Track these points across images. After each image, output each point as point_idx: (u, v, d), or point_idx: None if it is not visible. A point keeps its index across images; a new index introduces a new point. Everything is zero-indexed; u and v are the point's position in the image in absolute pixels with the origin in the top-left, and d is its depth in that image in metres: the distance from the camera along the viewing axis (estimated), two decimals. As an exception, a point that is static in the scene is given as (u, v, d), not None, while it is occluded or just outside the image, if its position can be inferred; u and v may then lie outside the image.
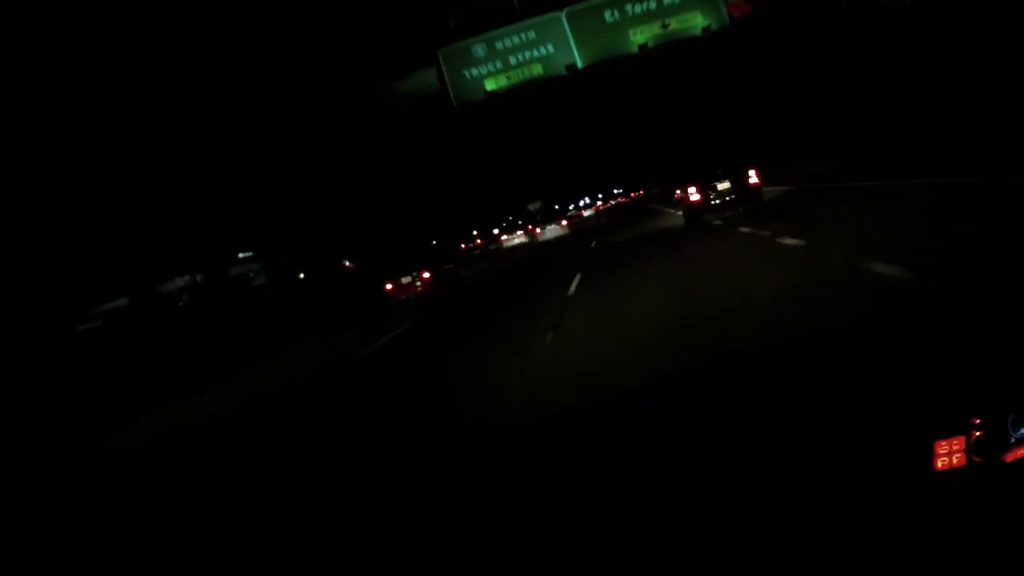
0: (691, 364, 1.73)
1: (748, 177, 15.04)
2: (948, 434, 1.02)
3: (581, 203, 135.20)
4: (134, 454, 7.99)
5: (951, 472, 1.02)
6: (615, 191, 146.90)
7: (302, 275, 35.85)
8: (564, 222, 54.05)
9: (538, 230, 53.06)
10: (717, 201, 15.60)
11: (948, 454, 1.02)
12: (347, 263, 40.33)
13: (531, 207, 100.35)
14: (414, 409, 5.74)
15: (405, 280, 22.22)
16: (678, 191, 43.06)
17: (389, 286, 22.61)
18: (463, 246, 70.24)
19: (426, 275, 22.13)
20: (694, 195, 16.07)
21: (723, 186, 15.50)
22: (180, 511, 4.33)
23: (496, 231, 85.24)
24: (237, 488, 4.58)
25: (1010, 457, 1.02)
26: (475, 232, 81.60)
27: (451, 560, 1.15)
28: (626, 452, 1.28)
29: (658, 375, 2.33)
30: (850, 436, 1.08)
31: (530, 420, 1.65)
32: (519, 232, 58.23)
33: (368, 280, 26.97)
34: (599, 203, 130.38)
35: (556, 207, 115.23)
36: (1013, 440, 1.03)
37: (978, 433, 1.02)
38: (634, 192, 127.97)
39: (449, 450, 1.98)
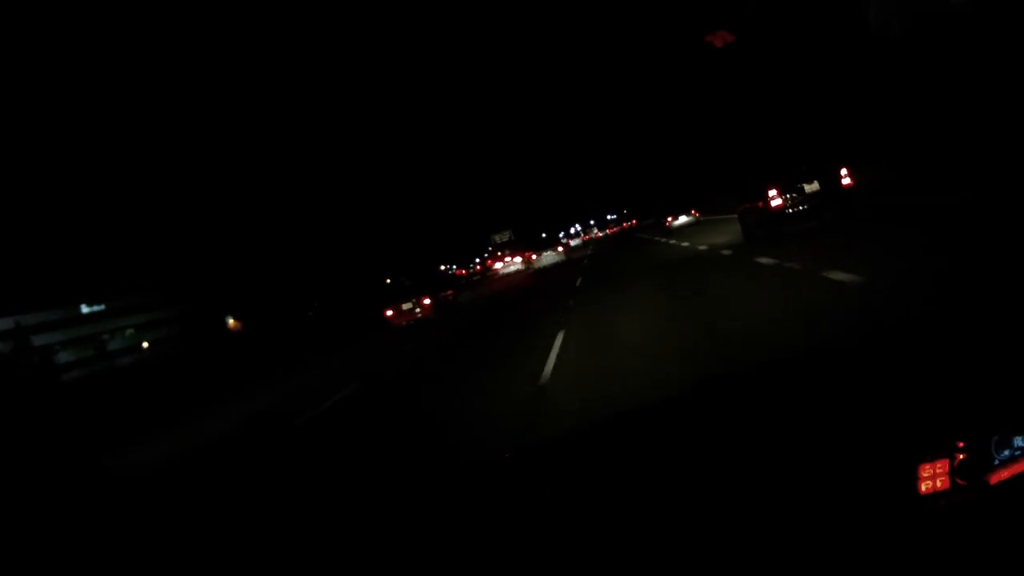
0: (680, 385, 1.75)
1: (840, 177, 12.24)
2: (932, 457, 1.03)
3: (572, 230, 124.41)
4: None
5: (935, 495, 1.03)
6: (608, 216, 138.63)
7: (145, 344, 28.35)
8: (560, 248, 54.13)
9: (534, 256, 52.71)
10: (792, 209, 12.52)
11: (932, 477, 1.03)
12: (231, 320, 34.77)
13: (498, 237, 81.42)
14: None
15: (406, 306, 22.55)
16: (669, 217, 41.92)
17: (390, 312, 22.90)
18: (463, 272, 69.81)
19: (426, 301, 22.42)
20: (775, 199, 12.60)
21: (811, 187, 12.41)
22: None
23: (478, 260, 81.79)
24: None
25: (994, 479, 1.03)
26: (443, 267, 74.45)
27: (455, 563, 1.16)
28: (622, 459, 1.30)
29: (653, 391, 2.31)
30: (833, 459, 1.10)
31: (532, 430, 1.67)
32: (516, 258, 57.84)
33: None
34: (584, 234, 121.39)
35: (544, 235, 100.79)
36: (997, 462, 1.04)
37: (962, 456, 1.03)
38: (626, 222, 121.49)
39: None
